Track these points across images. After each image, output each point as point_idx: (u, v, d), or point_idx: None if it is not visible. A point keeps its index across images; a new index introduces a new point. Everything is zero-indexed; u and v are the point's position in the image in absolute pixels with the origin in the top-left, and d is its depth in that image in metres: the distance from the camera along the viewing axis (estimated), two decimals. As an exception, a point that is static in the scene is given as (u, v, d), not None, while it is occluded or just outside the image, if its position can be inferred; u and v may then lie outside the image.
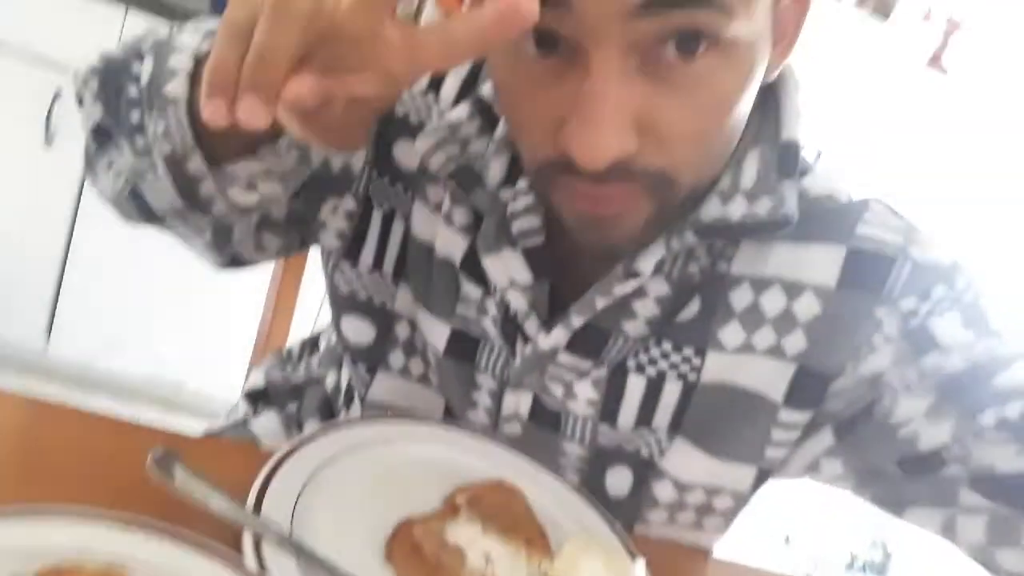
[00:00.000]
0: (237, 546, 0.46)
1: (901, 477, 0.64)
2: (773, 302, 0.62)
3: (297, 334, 1.05)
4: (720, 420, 0.66)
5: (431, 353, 0.72)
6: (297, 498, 0.52)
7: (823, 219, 0.62)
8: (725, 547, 0.75)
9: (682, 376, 0.65)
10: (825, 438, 0.66)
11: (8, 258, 2.00)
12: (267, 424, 0.90)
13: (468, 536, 0.54)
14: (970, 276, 0.63)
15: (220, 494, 0.49)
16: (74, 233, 1.98)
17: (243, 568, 0.44)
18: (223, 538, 0.46)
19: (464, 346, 0.70)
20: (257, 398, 0.95)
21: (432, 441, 0.65)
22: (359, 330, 0.75)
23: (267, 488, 0.52)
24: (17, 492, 0.47)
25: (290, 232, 0.74)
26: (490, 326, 0.68)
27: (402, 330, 0.74)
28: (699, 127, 0.51)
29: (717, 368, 0.64)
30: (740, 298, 0.63)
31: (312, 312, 1.92)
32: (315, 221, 0.72)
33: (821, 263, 0.61)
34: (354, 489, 0.56)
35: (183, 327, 2.08)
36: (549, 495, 0.64)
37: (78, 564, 0.40)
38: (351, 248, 0.72)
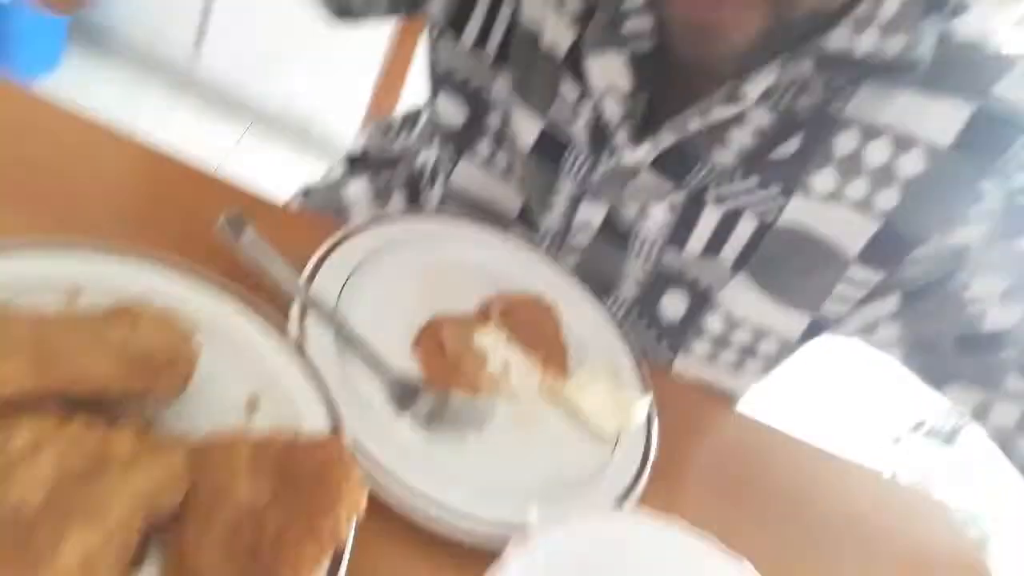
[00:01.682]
0: (285, 314, 0.53)
1: (953, 353, 0.64)
2: (877, 153, 0.59)
3: (404, 105, 1.08)
4: (787, 264, 0.66)
5: (518, 148, 0.73)
6: (347, 279, 0.58)
7: (960, 70, 0.57)
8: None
9: (760, 215, 0.64)
10: (890, 302, 0.65)
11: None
12: (358, 190, 0.96)
13: (492, 343, 0.59)
14: None
15: (279, 263, 0.55)
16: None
17: (286, 333, 0.51)
18: (274, 305, 0.52)
19: (551, 147, 0.70)
20: (355, 162, 1.01)
21: (483, 246, 0.68)
22: (452, 110, 0.76)
23: (322, 265, 0.57)
24: (97, 229, 0.54)
25: None
26: (580, 131, 0.68)
27: (493, 119, 0.74)
28: None
29: (798, 212, 0.63)
30: (844, 144, 0.60)
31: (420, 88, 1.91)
32: None
33: (941, 119, 0.57)
34: (399, 279, 0.61)
35: (319, 65, 2.14)
36: (584, 320, 0.67)
37: (147, 304, 0.48)
38: (456, 21, 0.72)
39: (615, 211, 0.70)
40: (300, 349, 0.51)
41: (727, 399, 0.78)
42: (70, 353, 0.41)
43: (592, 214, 0.71)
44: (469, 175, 0.78)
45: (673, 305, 0.73)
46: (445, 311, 0.60)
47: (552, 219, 0.74)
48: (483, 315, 0.61)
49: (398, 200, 0.92)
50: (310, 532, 0.41)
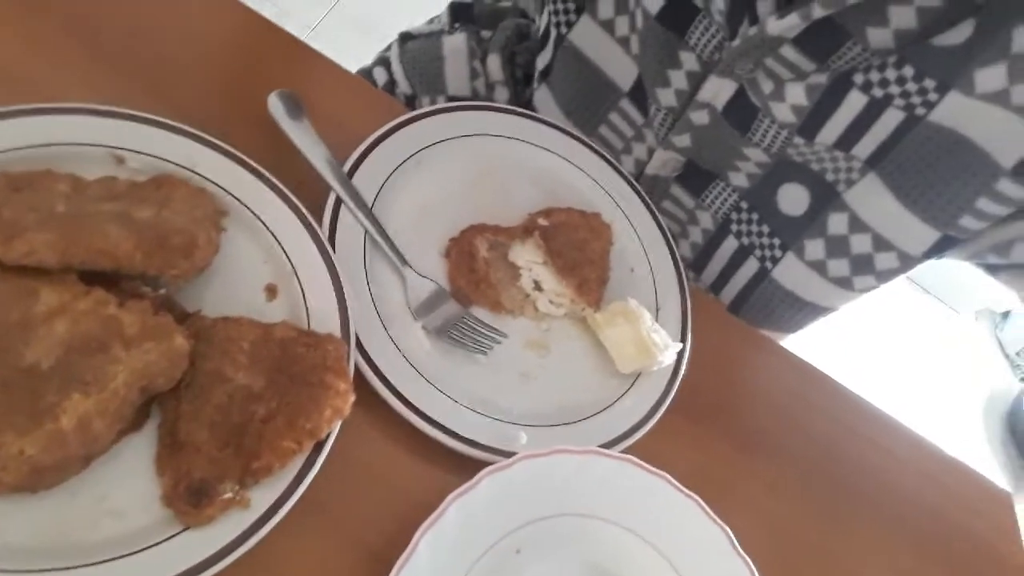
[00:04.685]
0: (321, 204, 0.53)
1: None
2: None
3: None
4: (928, 168, 0.60)
5: (641, 14, 0.67)
6: (392, 173, 0.57)
7: None
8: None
9: (909, 108, 0.57)
10: None
11: None
12: (455, 44, 0.92)
13: (528, 260, 0.57)
14: None
15: (323, 150, 0.54)
16: None
17: (315, 227, 0.51)
18: (312, 193, 0.53)
19: (679, 14, 0.64)
20: (459, 13, 0.97)
21: (547, 151, 0.65)
22: None
23: (367, 156, 0.56)
24: (177, 92, 0.55)
25: None
26: None
27: None
28: None
29: (953, 111, 0.56)
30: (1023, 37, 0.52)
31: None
32: None
33: None
34: (448, 179, 0.60)
35: None
36: (643, 247, 0.64)
37: (184, 180, 0.49)
38: None
39: (744, 90, 0.64)
40: (329, 243, 0.52)
41: (772, 342, 0.73)
42: (95, 228, 0.44)
43: (717, 92, 0.65)
44: (587, 33, 0.73)
45: (792, 199, 0.68)
46: (488, 219, 0.59)
47: (667, 95, 0.69)
48: (526, 229, 0.59)
49: (494, 63, 0.89)
50: (291, 428, 0.44)
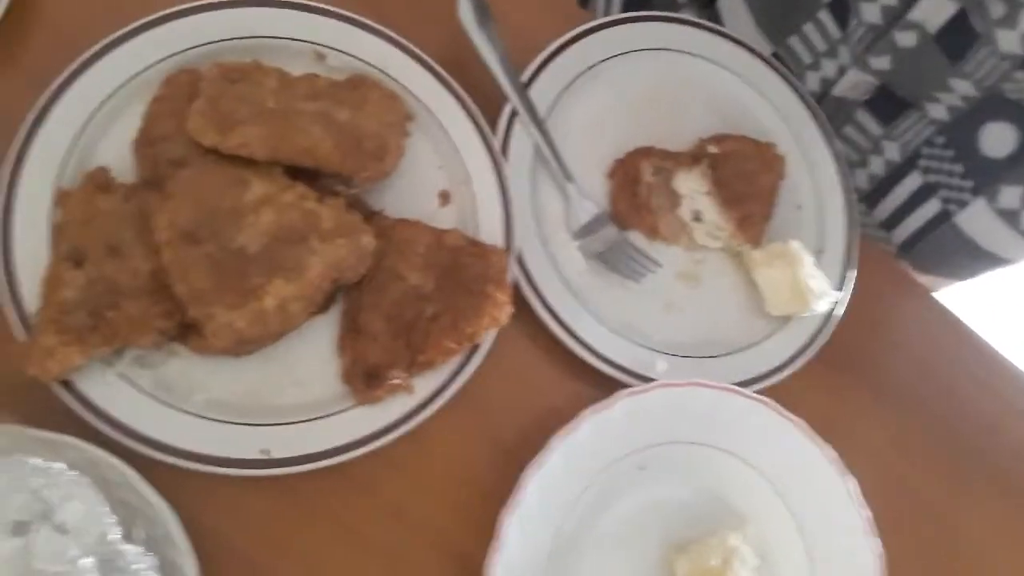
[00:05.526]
0: (498, 113, 0.55)
1: None
2: None
3: None
4: None
5: None
6: (568, 85, 0.57)
7: None
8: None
9: None
10: None
11: None
12: None
13: (691, 189, 0.57)
14: None
15: (504, 62, 0.55)
16: None
17: (490, 139, 0.53)
18: (490, 102, 0.54)
19: None
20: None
21: (731, 70, 0.62)
22: None
23: (545, 67, 0.57)
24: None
25: None
26: None
27: None
28: None
29: None
30: None
31: None
32: None
33: None
34: (620, 97, 0.59)
35: None
36: (814, 184, 0.62)
37: (379, 81, 0.52)
38: None
39: (967, 14, 0.58)
40: (501, 154, 0.54)
41: (929, 295, 0.69)
42: (300, 128, 0.48)
43: (936, 11, 0.59)
44: None
45: (997, 138, 0.63)
46: (659, 143, 0.58)
47: (872, 10, 0.63)
48: (694, 155, 0.58)
49: None
50: (454, 329, 0.48)
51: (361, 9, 0.54)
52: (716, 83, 0.62)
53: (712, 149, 0.58)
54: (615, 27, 0.60)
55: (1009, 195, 0.63)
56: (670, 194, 0.57)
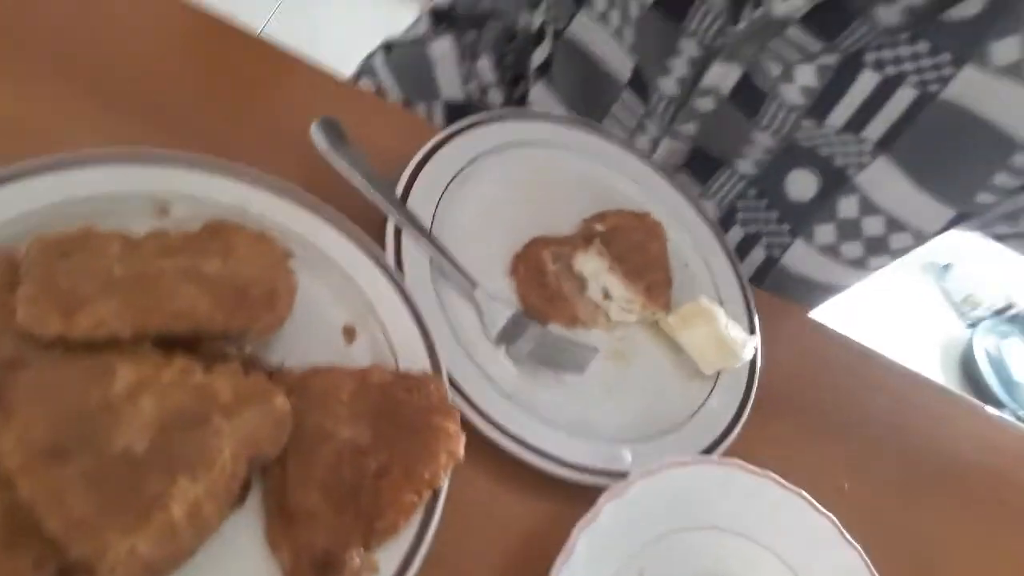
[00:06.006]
0: (380, 228, 0.50)
1: None
2: None
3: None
4: (942, 147, 0.59)
5: (635, 5, 0.66)
6: (443, 193, 0.54)
7: None
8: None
9: (923, 84, 0.57)
10: None
11: None
12: (444, 48, 0.89)
13: (593, 269, 0.55)
14: None
15: (374, 175, 0.51)
16: None
17: (382, 259, 0.48)
18: (366, 218, 0.49)
19: (676, 2, 0.63)
20: (441, 17, 0.93)
21: (586, 152, 0.63)
22: None
23: (417, 176, 0.53)
24: (191, 132, 0.51)
25: None
26: None
27: None
28: None
29: (968, 86, 0.56)
30: None
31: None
32: None
33: None
34: (499, 195, 0.57)
35: None
36: (693, 241, 0.62)
37: (240, 224, 0.45)
38: None
39: (750, 75, 0.62)
40: (397, 273, 0.48)
41: (830, 331, 0.73)
42: (165, 290, 0.39)
43: (724, 77, 0.63)
44: (584, 28, 0.71)
45: (801, 184, 0.67)
46: (546, 231, 0.56)
47: (669, 84, 0.67)
48: (584, 236, 0.57)
49: (486, 63, 0.86)
50: (409, 479, 0.41)
51: (205, 148, 0.47)
52: (577, 166, 0.62)
53: (599, 227, 0.57)
54: (468, 132, 0.58)
55: (823, 232, 0.68)
56: (575, 278, 0.55)
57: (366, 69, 0.89)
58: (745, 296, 0.61)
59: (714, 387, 0.55)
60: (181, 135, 0.49)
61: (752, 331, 0.59)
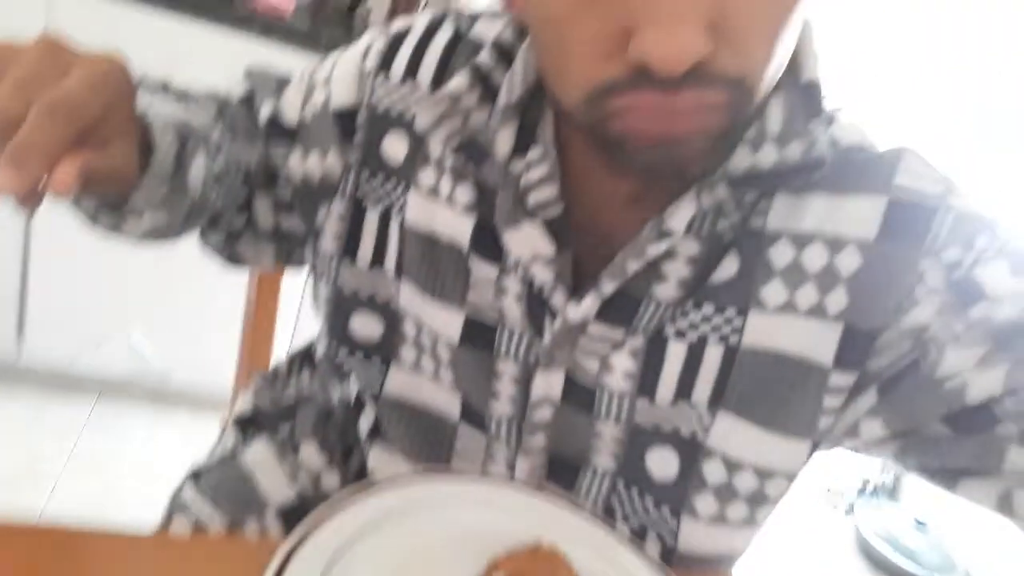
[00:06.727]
0: None
1: (948, 439, 0.59)
2: (815, 258, 0.59)
3: (280, 353, 0.97)
4: (765, 389, 0.62)
5: (443, 347, 0.69)
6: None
7: (858, 169, 0.59)
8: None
9: (724, 339, 0.61)
10: (868, 398, 0.61)
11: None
12: (259, 453, 0.83)
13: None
14: (1010, 225, 0.59)
15: None
16: (31, 232, 1.85)
17: None
18: None
19: (480, 334, 0.67)
20: (247, 425, 0.88)
21: (459, 503, 0.57)
22: (367, 326, 0.73)
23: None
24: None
25: (282, 241, 0.78)
26: (511, 305, 0.65)
27: (409, 327, 0.71)
28: (770, 22, 0.47)
29: (759, 330, 0.61)
30: (780, 255, 0.60)
31: (299, 328, 1.85)
32: (312, 229, 0.73)
33: (861, 215, 0.58)
34: (382, 561, 0.48)
35: (165, 318, 1.98)
36: (596, 553, 0.56)
37: None
38: (347, 247, 0.72)
39: (573, 376, 0.65)
40: None
41: None
42: None
43: (549, 385, 0.66)
44: (401, 382, 0.73)
45: (661, 462, 0.66)
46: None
47: (500, 406, 0.68)
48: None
49: (311, 449, 0.82)
50: None
51: None
52: (445, 521, 0.55)
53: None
54: (320, 530, 0.50)
55: (704, 504, 0.66)
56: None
57: (177, 506, 0.79)
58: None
59: None
60: None
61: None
